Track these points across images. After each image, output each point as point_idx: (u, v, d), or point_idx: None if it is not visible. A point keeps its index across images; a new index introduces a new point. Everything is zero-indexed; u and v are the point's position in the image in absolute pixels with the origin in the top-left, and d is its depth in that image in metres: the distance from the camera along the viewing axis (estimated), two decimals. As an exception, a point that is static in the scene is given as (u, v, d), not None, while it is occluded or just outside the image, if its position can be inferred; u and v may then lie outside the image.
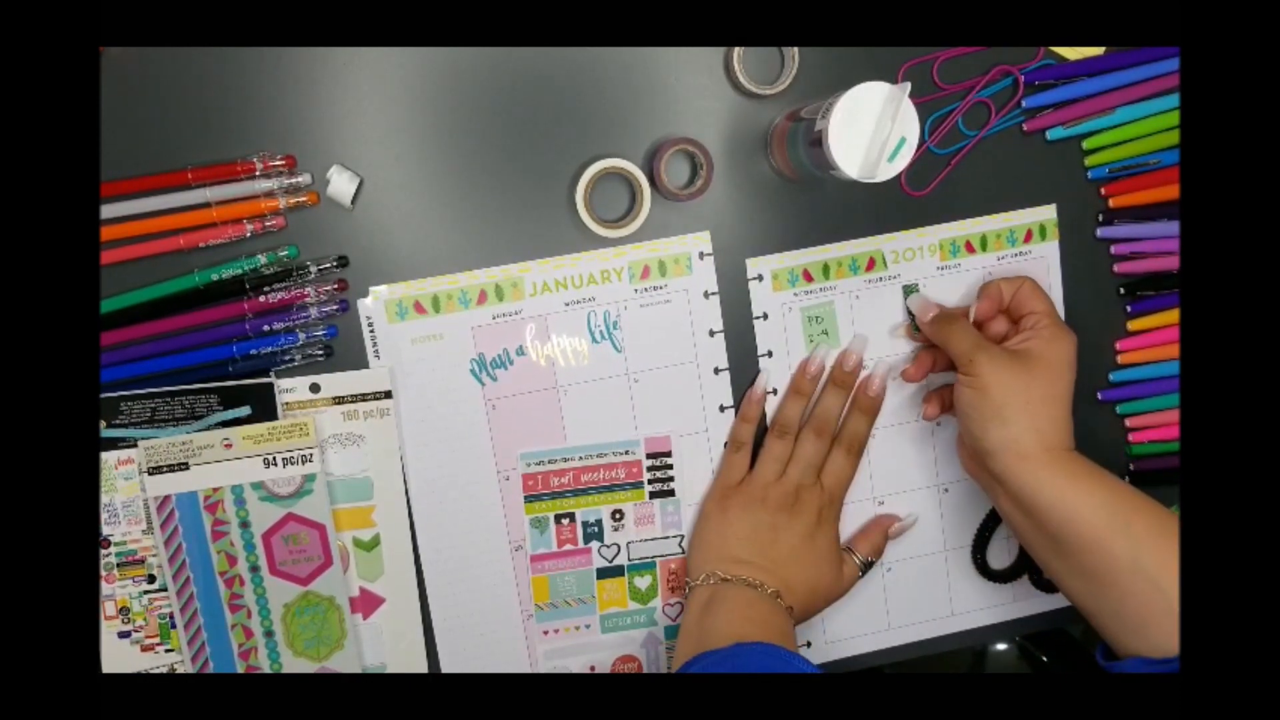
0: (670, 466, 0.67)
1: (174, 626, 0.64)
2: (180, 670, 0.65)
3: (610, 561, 0.68)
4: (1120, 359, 0.69)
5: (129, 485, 0.63)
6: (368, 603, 0.66)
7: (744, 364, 0.67)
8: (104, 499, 0.62)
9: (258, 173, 0.61)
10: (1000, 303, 0.64)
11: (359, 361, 0.64)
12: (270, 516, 0.63)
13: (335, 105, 0.62)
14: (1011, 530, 0.61)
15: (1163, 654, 0.53)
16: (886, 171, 0.55)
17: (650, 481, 0.67)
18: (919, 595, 0.71)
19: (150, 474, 0.62)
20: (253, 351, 0.62)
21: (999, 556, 0.71)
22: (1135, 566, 0.54)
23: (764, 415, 0.67)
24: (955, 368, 0.61)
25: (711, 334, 0.66)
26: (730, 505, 0.65)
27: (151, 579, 0.64)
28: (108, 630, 0.64)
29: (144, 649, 0.64)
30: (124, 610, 0.64)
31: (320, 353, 0.63)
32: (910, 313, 0.66)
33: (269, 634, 0.65)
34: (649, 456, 0.67)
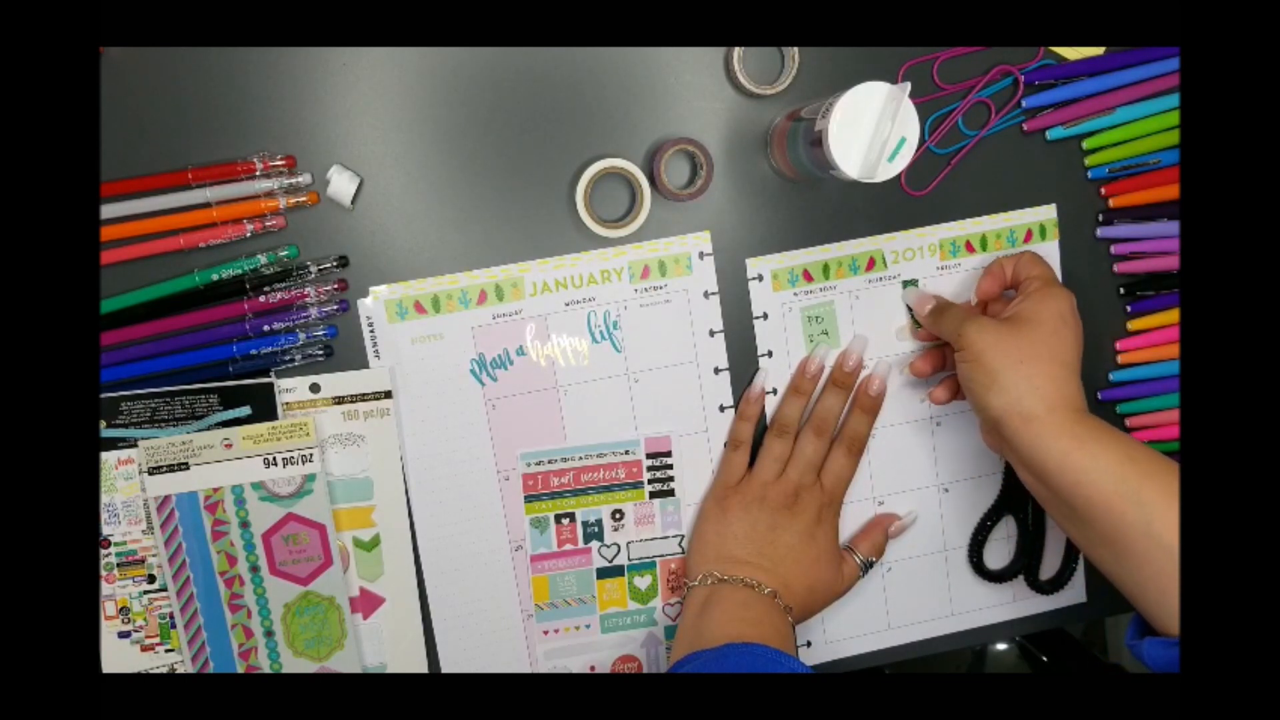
0: (670, 466, 0.67)
1: (174, 626, 0.64)
2: (180, 670, 0.65)
3: (610, 561, 0.68)
4: (1120, 359, 0.69)
5: (129, 485, 0.63)
6: (368, 603, 0.66)
7: (744, 364, 0.67)
8: (104, 499, 0.62)
9: (258, 173, 0.61)
10: (1003, 280, 0.64)
11: (359, 361, 0.64)
12: (270, 516, 0.63)
13: (335, 105, 0.62)
14: (1036, 499, 0.61)
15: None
16: (886, 171, 0.55)
17: (650, 481, 0.67)
18: (919, 595, 0.71)
19: (150, 474, 0.62)
20: (253, 351, 0.62)
21: (996, 557, 0.71)
22: (1148, 533, 0.53)
23: (764, 415, 0.67)
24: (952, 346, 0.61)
25: (711, 334, 0.66)
26: (729, 505, 0.65)
27: (151, 579, 0.64)
28: (108, 630, 0.64)
29: (144, 649, 0.64)
30: (124, 610, 0.64)
31: (320, 353, 0.63)
32: (910, 309, 0.66)
33: (269, 634, 0.65)
34: (649, 456, 0.67)
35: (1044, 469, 0.56)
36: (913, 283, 0.67)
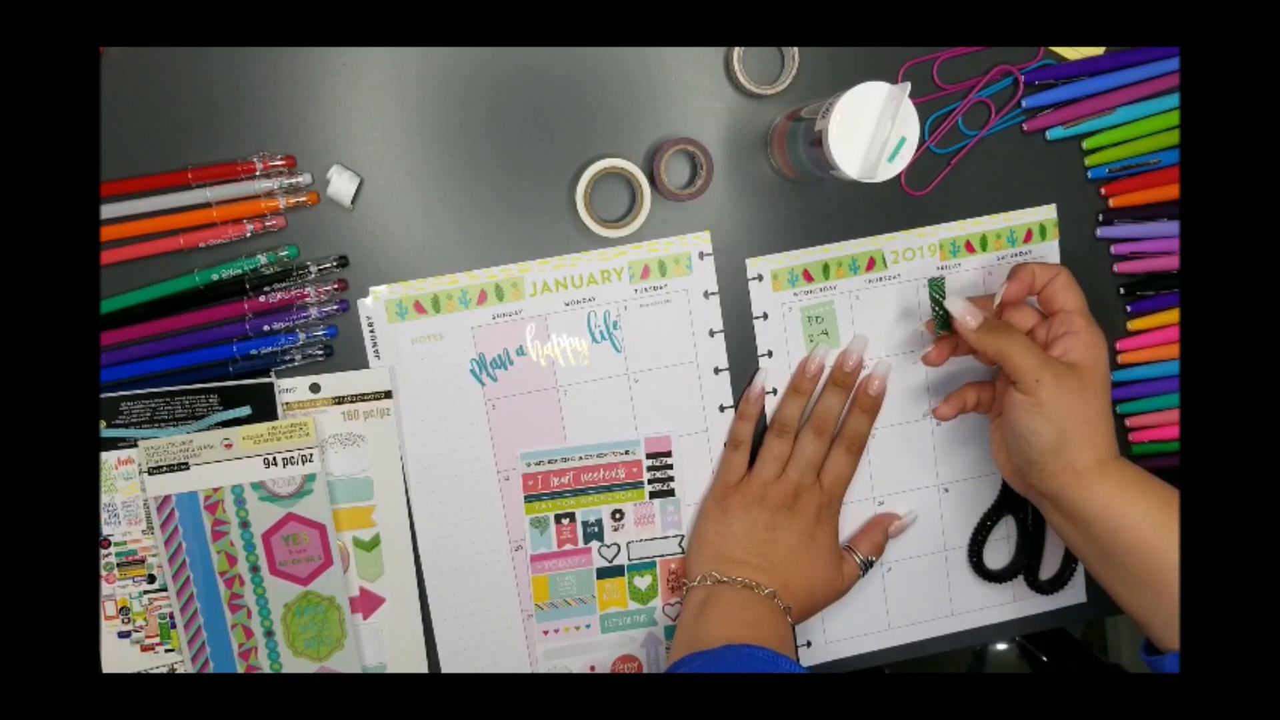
0: (670, 466, 0.67)
1: (174, 626, 0.64)
2: (180, 670, 0.65)
3: (610, 561, 0.68)
4: (1120, 359, 0.69)
5: (129, 485, 0.63)
6: (368, 603, 0.66)
7: (744, 364, 0.67)
8: (104, 499, 0.62)
9: (258, 173, 0.61)
10: (1030, 287, 0.61)
11: (359, 361, 0.64)
12: (270, 516, 0.63)
13: (335, 105, 0.62)
14: (1062, 540, 0.61)
15: None
16: (886, 171, 0.55)
17: (650, 481, 0.67)
18: (919, 595, 0.71)
19: (150, 474, 0.62)
20: (253, 351, 0.62)
21: (996, 557, 0.71)
22: None
23: (764, 414, 0.67)
24: (1011, 379, 0.58)
25: (711, 334, 0.66)
26: (729, 505, 0.65)
27: (151, 579, 0.64)
28: (108, 630, 0.64)
29: (144, 649, 0.64)
30: (124, 610, 0.64)
31: (320, 353, 0.63)
32: (936, 309, 0.65)
33: (269, 634, 0.65)
34: (649, 456, 0.67)
35: (1086, 518, 0.57)
36: (937, 283, 0.65)
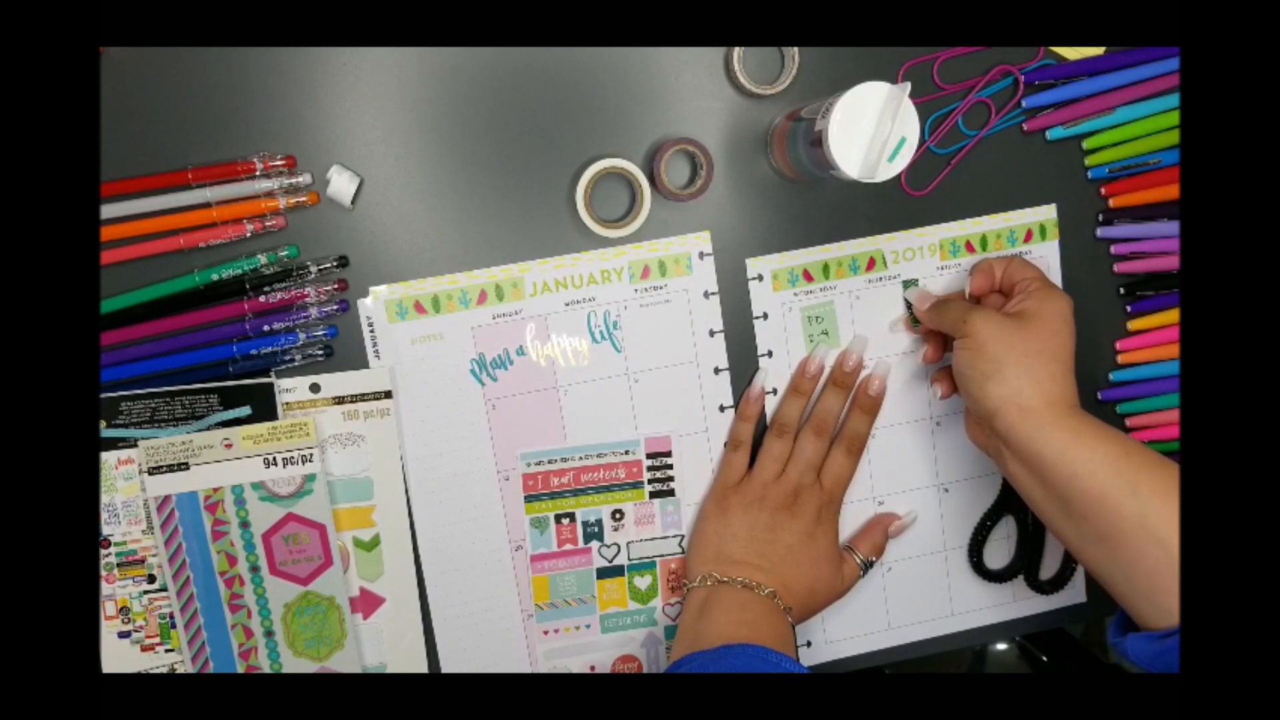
0: (670, 466, 0.67)
1: (174, 626, 0.64)
2: (180, 670, 0.65)
3: (610, 561, 0.68)
4: (1120, 359, 0.69)
5: (129, 485, 0.63)
6: (368, 603, 0.66)
7: (744, 364, 0.67)
8: (104, 499, 0.62)
9: (258, 173, 0.61)
10: (993, 279, 0.64)
11: (359, 361, 0.64)
12: (270, 516, 0.63)
13: (335, 105, 0.62)
14: (1023, 497, 0.60)
15: (1172, 620, 0.52)
16: (886, 171, 0.55)
17: (650, 481, 0.67)
18: (919, 595, 0.71)
19: (150, 474, 0.62)
20: (253, 351, 0.62)
21: (996, 557, 0.71)
22: (1143, 526, 0.52)
23: (764, 415, 0.67)
24: (952, 336, 0.61)
25: (711, 334, 0.66)
26: (729, 505, 0.65)
27: (151, 579, 0.64)
28: (108, 630, 0.64)
29: (144, 649, 0.64)
30: (124, 610, 0.64)
31: (320, 353, 0.63)
32: (909, 304, 0.67)
33: (269, 634, 0.65)
34: (649, 456, 0.67)
35: (1040, 461, 0.56)
36: (913, 283, 0.67)
